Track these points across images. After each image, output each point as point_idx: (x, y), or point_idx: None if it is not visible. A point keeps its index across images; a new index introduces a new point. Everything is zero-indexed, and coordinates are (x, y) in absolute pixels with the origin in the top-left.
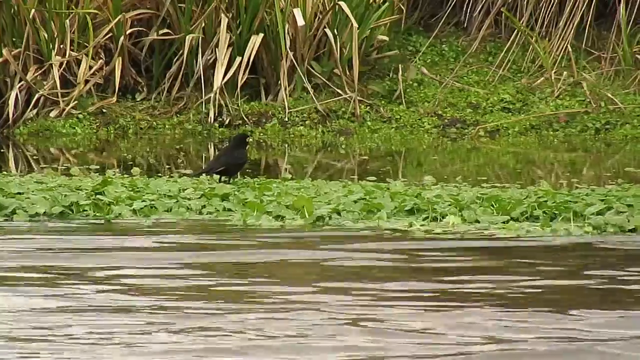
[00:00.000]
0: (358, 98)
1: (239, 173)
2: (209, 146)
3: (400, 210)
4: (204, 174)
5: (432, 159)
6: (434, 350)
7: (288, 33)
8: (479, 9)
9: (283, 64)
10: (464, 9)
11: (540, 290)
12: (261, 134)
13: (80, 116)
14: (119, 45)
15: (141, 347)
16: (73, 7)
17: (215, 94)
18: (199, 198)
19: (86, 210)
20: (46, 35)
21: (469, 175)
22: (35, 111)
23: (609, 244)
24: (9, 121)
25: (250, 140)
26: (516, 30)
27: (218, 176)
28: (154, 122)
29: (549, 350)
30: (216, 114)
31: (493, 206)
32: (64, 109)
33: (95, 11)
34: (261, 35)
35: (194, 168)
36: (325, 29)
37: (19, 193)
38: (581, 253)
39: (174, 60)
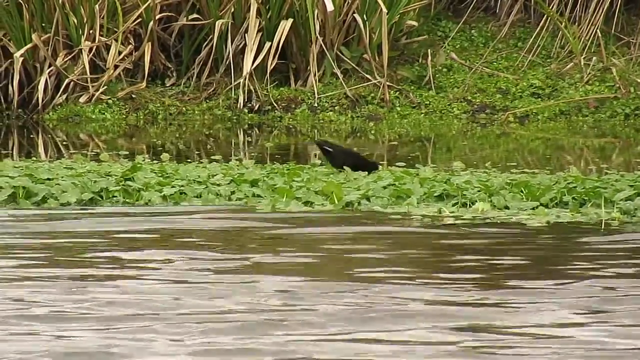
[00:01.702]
0: (387, 83)
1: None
2: (238, 132)
3: (430, 196)
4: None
5: (462, 145)
6: None
7: (317, 18)
8: None
9: (312, 50)
10: None
11: None
12: (290, 120)
13: (110, 102)
14: (148, 31)
15: None
16: None
17: (245, 79)
18: (228, 184)
19: (116, 197)
20: (75, 21)
21: (498, 161)
22: (64, 96)
23: None
24: (38, 106)
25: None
26: (545, 16)
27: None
28: (184, 108)
29: None
30: (245, 100)
31: (522, 192)
32: (93, 95)
33: None
34: (290, 20)
35: (223, 154)
36: (354, 14)
37: (49, 179)
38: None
39: (204, 45)
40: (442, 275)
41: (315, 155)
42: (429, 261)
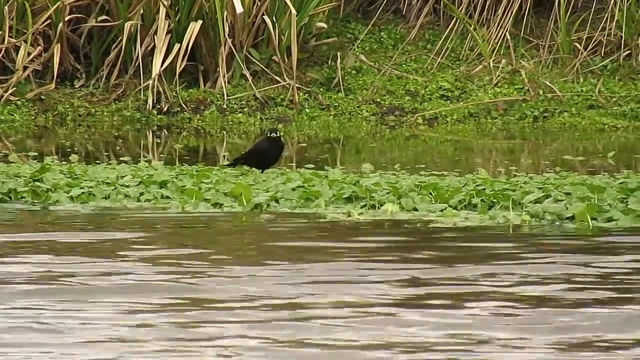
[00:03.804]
0: (296, 85)
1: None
2: (147, 133)
3: (339, 198)
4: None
5: (371, 147)
6: None
7: (226, 20)
8: None
9: (222, 51)
10: None
11: None
12: (199, 121)
13: (19, 103)
14: (57, 32)
15: None
16: None
17: (154, 81)
18: (137, 185)
19: (24, 197)
20: None
21: (407, 163)
22: None
23: None
24: None
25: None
26: (455, 18)
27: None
28: (93, 109)
29: None
30: (154, 101)
31: (431, 194)
32: (2, 96)
33: None
34: (200, 22)
35: (132, 155)
36: (263, 16)
37: None
38: None
39: (113, 47)
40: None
41: (224, 157)
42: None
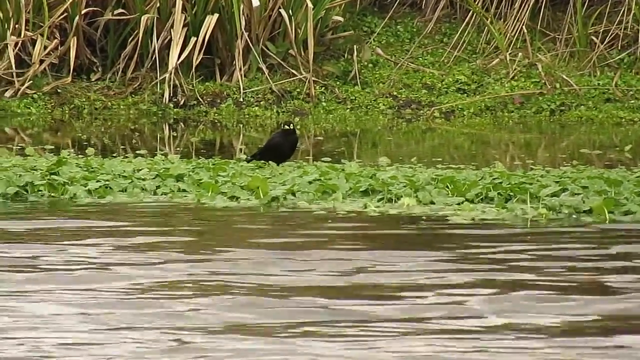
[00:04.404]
0: (313, 79)
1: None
2: (164, 126)
3: (355, 192)
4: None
5: (387, 140)
6: None
7: (243, 13)
8: None
9: (238, 44)
10: None
11: None
12: (216, 115)
13: (35, 96)
14: (74, 25)
15: None
16: None
17: (170, 74)
18: (154, 178)
19: (41, 191)
20: (1, 15)
21: (424, 156)
22: None
23: None
24: None
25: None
26: (471, 11)
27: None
28: (109, 103)
29: None
30: (171, 95)
31: (448, 187)
32: (18, 89)
33: None
34: (216, 15)
35: (148, 148)
36: (280, 10)
37: None
38: None
39: (129, 40)
40: None
41: (241, 150)
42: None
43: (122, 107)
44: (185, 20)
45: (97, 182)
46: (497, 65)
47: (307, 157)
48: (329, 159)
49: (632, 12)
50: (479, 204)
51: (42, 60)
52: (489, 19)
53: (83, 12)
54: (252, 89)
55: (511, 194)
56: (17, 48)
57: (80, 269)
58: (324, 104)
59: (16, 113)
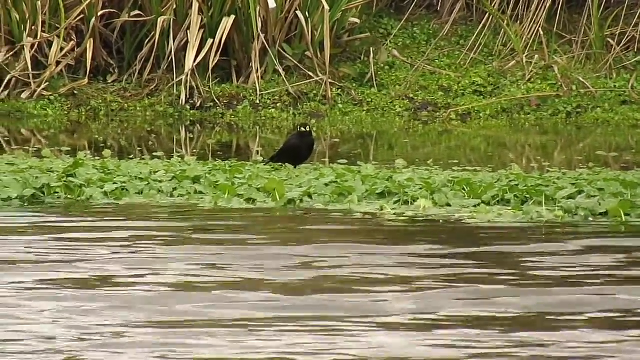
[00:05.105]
0: (329, 81)
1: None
2: (180, 128)
3: (372, 194)
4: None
5: (404, 142)
6: None
7: (259, 15)
8: None
9: (254, 46)
10: None
11: None
12: (232, 117)
13: (52, 98)
14: (90, 27)
15: None
16: None
17: (187, 76)
18: (170, 180)
19: (57, 193)
20: (17, 17)
21: (440, 158)
22: (6, 92)
23: None
24: None
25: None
26: (487, 14)
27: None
28: (125, 104)
29: None
30: (187, 96)
31: (464, 190)
32: (35, 91)
33: None
34: (233, 17)
35: (165, 150)
36: (296, 11)
37: None
38: None
39: (146, 42)
40: None
41: (257, 152)
42: None
43: (138, 108)
44: (201, 22)
45: (113, 184)
46: (513, 68)
47: (323, 160)
48: (346, 161)
49: None
50: (495, 207)
51: (58, 61)
52: (505, 21)
53: (99, 13)
54: (269, 91)
55: (527, 196)
56: (34, 50)
57: None
58: (340, 106)
59: (33, 115)
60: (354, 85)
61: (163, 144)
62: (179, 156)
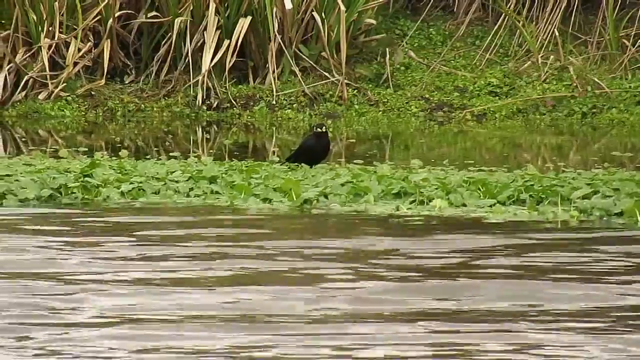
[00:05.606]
0: (345, 81)
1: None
2: (197, 129)
3: (387, 194)
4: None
5: (419, 143)
6: None
7: (276, 16)
8: None
9: (271, 47)
10: None
11: None
12: (249, 117)
13: (69, 98)
14: (107, 28)
15: None
16: None
17: (204, 76)
18: (187, 180)
19: (74, 193)
20: (35, 18)
21: (456, 158)
22: (24, 93)
23: None
24: None
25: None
26: (503, 14)
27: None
28: (142, 105)
29: None
30: (204, 97)
31: (480, 190)
32: (52, 91)
33: None
34: (249, 18)
35: (182, 150)
36: (312, 12)
37: (7, 175)
38: None
39: (163, 43)
40: None
41: (274, 153)
42: None
43: (155, 109)
44: (218, 23)
45: (130, 184)
46: (528, 68)
47: (339, 160)
48: (361, 162)
49: None
50: (511, 207)
51: (75, 62)
52: (521, 22)
53: (117, 14)
54: (285, 92)
55: (543, 196)
56: (51, 51)
57: None
58: (356, 106)
59: (50, 115)
60: (370, 85)
61: (180, 145)
62: (195, 156)
